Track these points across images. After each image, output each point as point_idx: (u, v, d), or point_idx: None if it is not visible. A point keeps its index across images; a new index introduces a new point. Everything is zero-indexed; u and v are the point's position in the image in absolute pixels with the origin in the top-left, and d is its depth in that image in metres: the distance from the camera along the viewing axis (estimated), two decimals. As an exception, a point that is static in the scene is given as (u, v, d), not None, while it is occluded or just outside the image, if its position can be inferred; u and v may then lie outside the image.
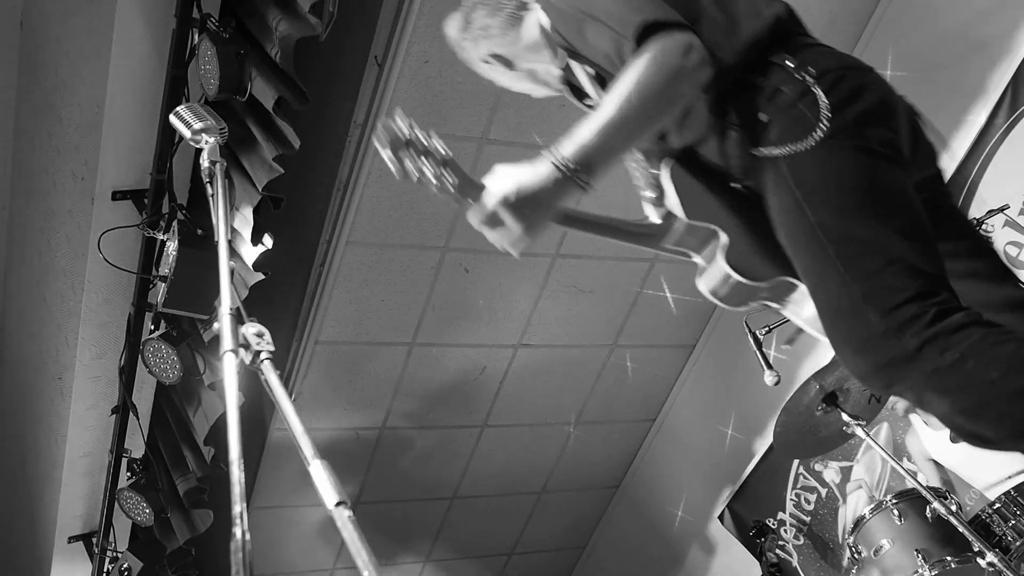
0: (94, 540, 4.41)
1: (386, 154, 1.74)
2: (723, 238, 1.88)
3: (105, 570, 4.29)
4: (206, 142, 1.67)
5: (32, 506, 4.78)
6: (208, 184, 1.57)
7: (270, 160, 2.96)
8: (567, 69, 1.98)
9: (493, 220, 1.66)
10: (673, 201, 1.93)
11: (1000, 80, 3.66)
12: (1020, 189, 3.55)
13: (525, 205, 1.63)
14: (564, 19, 1.82)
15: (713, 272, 1.92)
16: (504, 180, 1.65)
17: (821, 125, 1.64)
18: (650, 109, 1.64)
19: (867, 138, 1.66)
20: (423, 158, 1.73)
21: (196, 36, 3.02)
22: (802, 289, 1.91)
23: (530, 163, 1.65)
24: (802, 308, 1.96)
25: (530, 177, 1.63)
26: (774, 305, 2.03)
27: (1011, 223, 3.54)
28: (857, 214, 1.63)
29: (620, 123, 1.63)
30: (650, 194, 2.03)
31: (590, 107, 1.99)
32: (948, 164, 3.80)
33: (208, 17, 2.98)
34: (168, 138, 3.28)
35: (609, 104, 1.63)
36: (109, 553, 4.26)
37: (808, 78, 1.68)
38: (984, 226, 3.19)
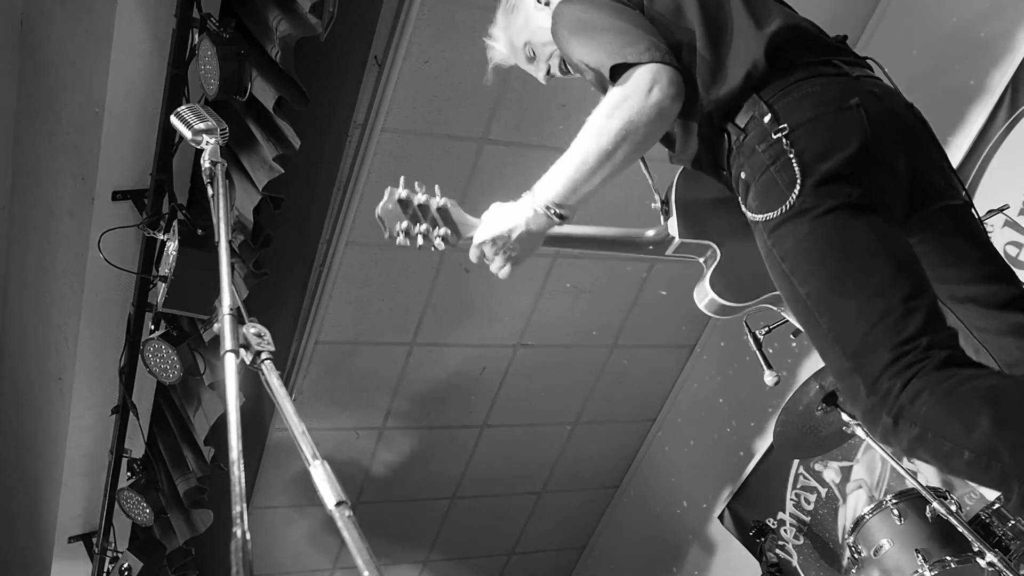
0: (94, 540, 4.41)
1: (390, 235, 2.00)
2: (717, 255, 1.98)
3: (105, 570, 4.29)
4: (207, 143, 1.67)
5: (32, 506, 4.78)
6: (209, 184, 1.57)
7: (270, 160, 2.96)
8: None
9: (483, 258, 1.97)
10: (671, 219, 1.97)
11: (1000, 80, 3.66)
12: (1020, 189, 3.55)
13: (507, 245, 1.91)
14: (560, 43, 1.93)
15: (702, 288, 2.04)
16: (488, 227, 1.92)
17: (793, 193, 1.68)
18: (616, 147, 1.75)
19: (838, 195, 1.68)
20: (421, 226, 2.00)
21: (196, 36, 3.02)
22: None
23: (513, 205, 1.90)
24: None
25: (511, 221, 1.88)
26: (771, 307, 2.06)
27: (1011, 223, 3.54)
28: (840, 284, 1.67)
29: (589, 164, 1.77)
30: (656, 204, 2.06)
31: None
32: (948, 164, 3.81)
33: (208, 17, 2.98)
34: (168, 138, 3.28)
35: (578, 145, 1.78)
36: (109, 553, 4.26)
37: (782, 136, 1.69)
38: (984, 226, 3.19)
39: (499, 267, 1.97)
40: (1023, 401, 1.54)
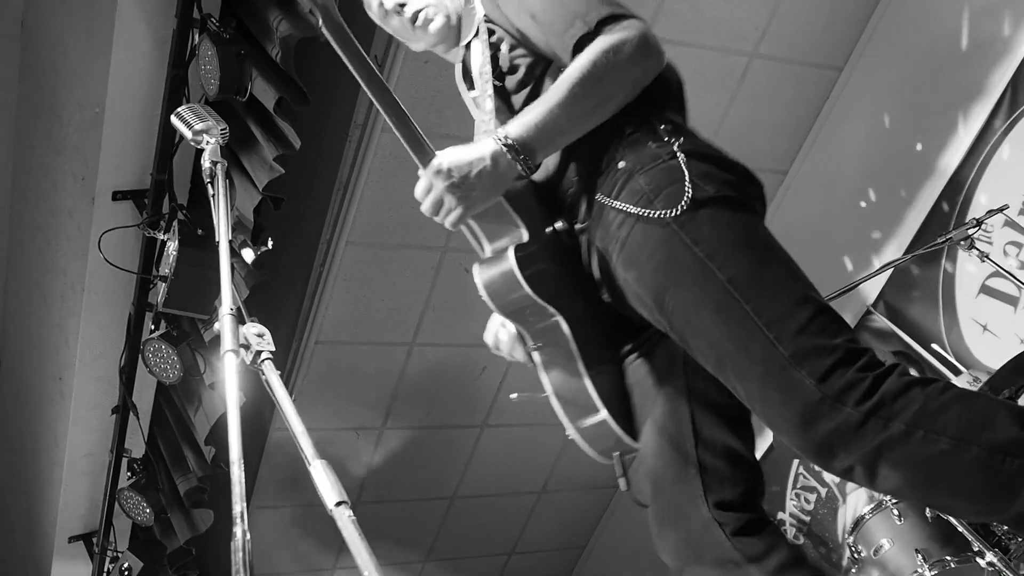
0: (94, 540, 4.41)
1: None
2: (523, 236, 1.72)
3: (105, 570, 4.29)
4: (207, 143, 1.67)
5: (32, 506, 4.78)
6: (209, 184, 1.57)
7: (270, 160, 2.96)
8: (467, 49, 1.91)
9: (429, 189, 1.68)
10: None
11: (1000, 80, 3.66)
12: (1020, 189, 3.55)
13: (465, 181, 1.64)
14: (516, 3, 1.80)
15: (499, 269, 1.72)
16: (448, 155, 1.67)
17: (696, 182, 1.60)
18: (603, 94, 1.65)
19: (745, 195, 1.64)
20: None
21: (196, 36, 3.03)
22: (564, 354, 1.74)
23: (478, 141, 1.69)
24: (546, 376, 1.80)
25: (474, 153, 1.65)
26: (527, 346, 1.81)
27: (1011, 223, 3.54)
28: (767, 269, 1.55)
29: (570, 106, 1.63)
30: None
31: (474, 100, 1.92)
32: (947, 164, 3.81)
33: (209, 17, 2.98)
34: (168, 138, 3.28)
35: (563, 87, 1.64)
36: (109, 553, 4.26)
37: (676, 145, 1.66)
38: (984, 226, 3.19)
39: (451, 207, 1.66)
40: None
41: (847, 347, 1.47)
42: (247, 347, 1.26)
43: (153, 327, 3.69)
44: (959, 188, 3.76)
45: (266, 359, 1.26)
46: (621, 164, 1.66)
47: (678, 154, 1.64)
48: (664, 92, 1.76)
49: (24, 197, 4.14)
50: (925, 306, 3.87)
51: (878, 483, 1.48)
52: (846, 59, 4.20)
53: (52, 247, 3.94)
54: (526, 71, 1.79)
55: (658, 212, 1.59)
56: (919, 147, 3.93)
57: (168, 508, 3.97)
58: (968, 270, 3.71)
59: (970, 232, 3.17)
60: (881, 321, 4.02)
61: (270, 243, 3.21)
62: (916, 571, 2.99)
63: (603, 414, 1.72)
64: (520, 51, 1.81)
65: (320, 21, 1.76)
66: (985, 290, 3.68)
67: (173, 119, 1.75)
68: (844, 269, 4.14)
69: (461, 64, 1.95)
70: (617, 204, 1.65)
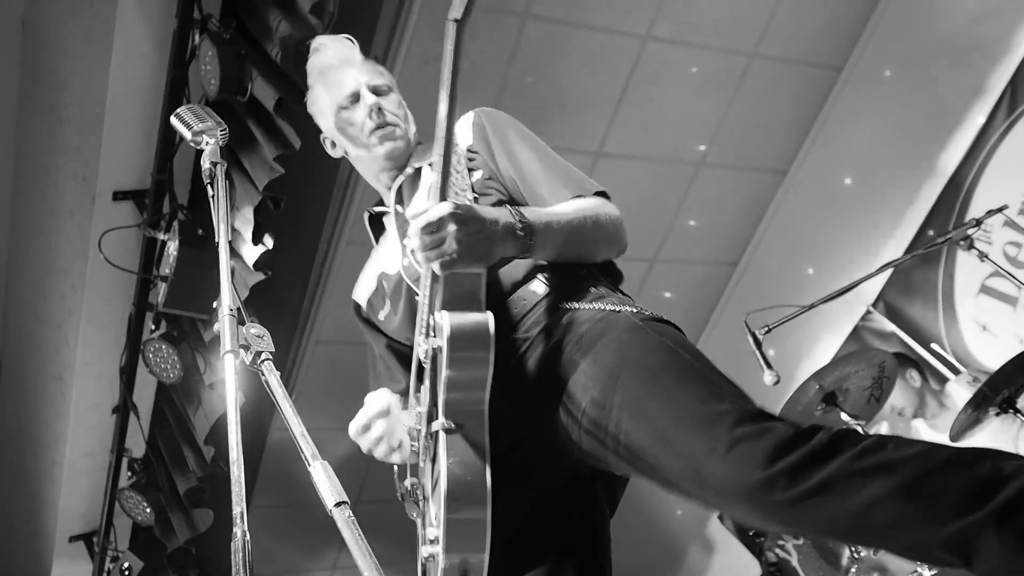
0: (95, 539, 4.42)
1: None
2: (483, 283, 1.65)
3: (106, 569, 4.30)
4: (207, 143, 1.67)
5: (33, 505, 4.78)
6: (209, 185, 1.57)
7: (271, 160, 2.96)
8: (415, 173, 1.98)
9: (438, 227, 1.57)
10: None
11: (999, 80, 3.66)
12: (1019, 189, 3.55)
13: (477, 232, 1.59)
14: (507, 138, 1.95)
15: (473, 318, 1.59)
16: (464, 204, 1.64)
17: (655, 317, 1.80)
18: (598, 236, 1.83)
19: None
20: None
21: (197, 37, 3.03)
22: (472, 441, 1.61)
23: (490, 207, 1.73)
24: (449, 461, 1.58)
25: (489, 213, 1.66)
26: (441, 424, 1.61)
27: (1010, 223, 3.54)
28: (710, 367, 1.70)
29: (576, 227, 1.78)
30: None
31: (399, 211, 1.97)
32: (947, 164, 3.81)
33: (209, 18, 2.98)
34: (169, 139, 3.29)
35: (574, 209, 1.80)
36: (110, 552, 4.27)
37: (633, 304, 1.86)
38: (983, 226, 3.19)
39: (448, 252, 1.56)
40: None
41: (763, 414, 1.59)
42: (247, 347, 1.26)
43: (153, 327, 3.69)
44: (959, 188, 3.76)
45: (266, 359, 1.26)
46: (593, 289, 1.82)
47: (638, 306, 1.82)
48: (619, 276, 1.96)
49: (25, 197, 4.14)
50: (925, 306, 3.87)
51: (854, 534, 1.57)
52: (846, 59, 4.20)
53: (53, 247, 3.94)
54: (496, 202, 1.86)
55: (629, 309, 1.77)
56: (919, 147, 3.93)
57: (168, 508, 3.97)
58: (968, 270, 3.71)
59: (970, 232, 3.17)
60: (881, 321, 4.02)
61: (270, 243, 3.21)
62: (915, 571, 2.99)
63: (487, 513, 1.58)
64: (495, 185, 1.92)
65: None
66: (985, 290, 3.68)
67: (173, 120, 1.75)
68: (844, 269, 4.14)
69: (396, 188, 1.99)
70: (591, 306, 1.77)
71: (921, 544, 1.36)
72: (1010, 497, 1.30)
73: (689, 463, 1.52)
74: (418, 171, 1.98)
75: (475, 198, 1.85)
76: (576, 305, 1.78)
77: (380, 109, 1.99)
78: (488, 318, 1.58)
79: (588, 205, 1.83)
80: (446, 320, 1.55)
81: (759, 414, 1.53)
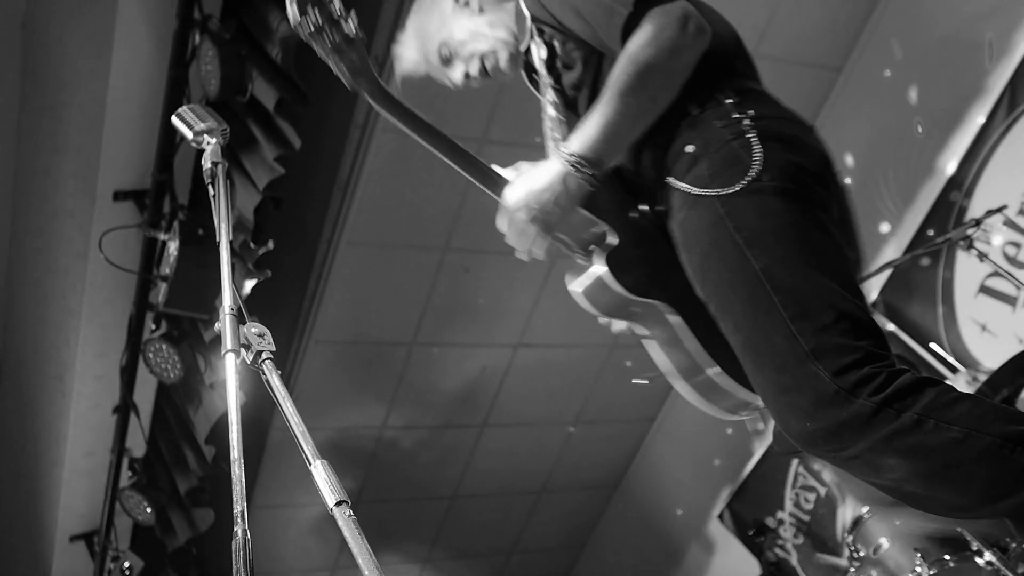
0: (95, 539, 4.42)
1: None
2: (610, 238, 1.78)
3: (106, 569, 4.30)
4: (208, 143, 1.67)
5: (33, 505, 4.78)
6: (209, 185, 1.57)
7: (271, 160, 2.97)
8: (527, 52, 1.91)
9: (510, 223, 1.73)
10: None
11: (999, 80, 3.67)
12: (1019, 189, 3.55)
13: (542, 208, 1.69)
14: None
15: (592, 277, 1.78)
16: (521, 189, 1.72)
17: (756, 168, 1.60)
18: (653, 89, 1.65)
19: (803, 187, 1.62)
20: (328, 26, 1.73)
21: (197, 37, 3.03)
22: (672, 334, 1.77)
23: (545, 164, 1.71)
24: (660, 355, 1.82)
25: (541, 180, 1.69)
26: (639, 332, 1.84)
27: (1010, 223, 3.55)
28: (804, 264, 1.56)
29: (624, 109, 1.64)
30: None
31: (535, 83, 1.94)
32: (947, 164, 3.81)
33: (209, 18, 2.99)
34: (169, 138, 3.29)
35: (612, 92, 1.65)
36: (110, 552, 4.27)
37: (746, 120, 1.65)
38: (983, 226, 3.19)
39: (534, 236, 1.71)
40: None
41: (867, 350, 1.51)
42: (248, 347, 1.26)
43: (154, 327, 3.69)
44: (959, 188, 3.76)
45: (266, 359, 1.26)
46: (689, 148, 1.67)
47: (746, 133, 1.63)
48: (723, 58, 1.73)
49: (25, 197, 4.14)
50: (924, 306, 3.87)
51: (882, 473, 1.52)
52: (846, 59, 4.20)
53: (53, 247, 3.94)
54: (583, 65, 1.79)
55: (713, 190, 1.61)
56: (918, 147, 3.93)
57: (169, 507, 3.98)
58: (967, 270, 3.71)
59: (969, 232, 3.17)
60: (881, 321, 4.02)
61: (270, 243, 3.22)
62: (915, 570, 2.99)
63: (715, 370, 1.77)
64: (572, 45, 1.80)
65: (367, 96, 1.79)
66: (984, 290, 3.68)
67: (174, 119, 1.75)
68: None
69: (524, 69, 1.96)
70: (681, 185, 1.67)
71: (958, 510, 1.50)
72: None
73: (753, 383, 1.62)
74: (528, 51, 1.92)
75: (557, 88, 1.83)
76: (673, 182, 1.69)
77: (466, 75, 1.96)
78: (604, 272, 1.72)
79: (624, 64, 1.64)
80: (572, 288, 1.77)
81: (808, 354, 1.50)
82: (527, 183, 1.71)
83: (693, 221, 1.66)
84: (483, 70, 1.93)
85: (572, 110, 1.84)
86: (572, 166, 1.66)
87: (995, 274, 3.55)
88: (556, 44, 1.82)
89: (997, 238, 3.59)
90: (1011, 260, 3.57)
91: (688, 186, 1.66)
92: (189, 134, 1.70)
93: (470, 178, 1.81)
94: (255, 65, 2.91)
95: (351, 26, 1.76)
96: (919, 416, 1.46)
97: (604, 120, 1.65)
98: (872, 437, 1.47)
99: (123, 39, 3.12)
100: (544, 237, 1.72)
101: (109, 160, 3.41)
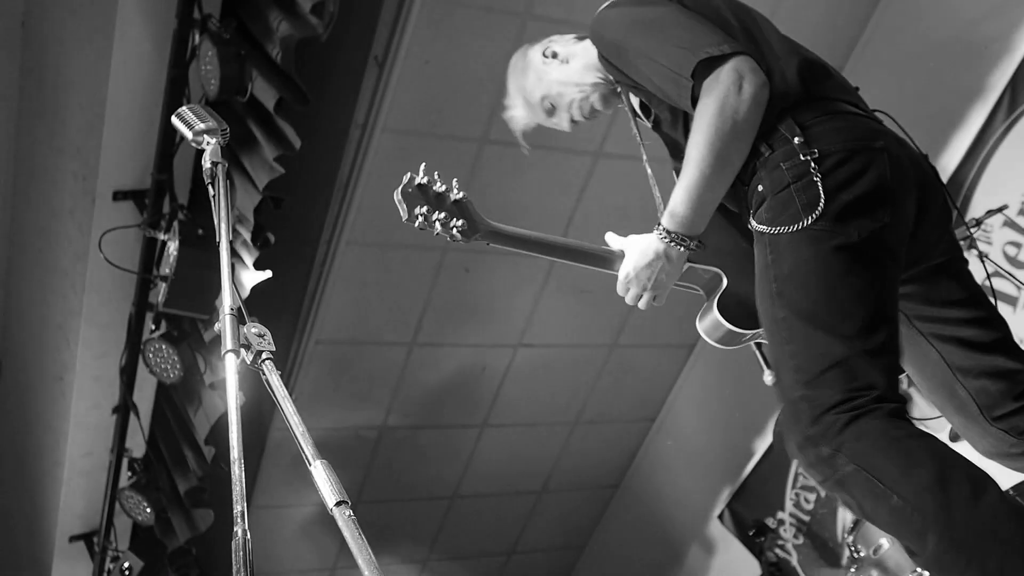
0: (95, 539, 4.42)
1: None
2: (724, 282, 1.99)
3: (106, 569, 4.30)
4: (208, 143, 1.66)
5: (33, 505, 4.78)
6: (209, 185, 1.57)
7: (271, 160, 2.96)
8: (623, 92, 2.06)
9: (627, 291, 1.98)
10: None
11: (999, 80, 3.67)
12: (1019, 189, 3.55)
13: (649, 278, 1.93)
14: (619, 54, 1.93)
15: (709, 318, 2.05)
16: (629, 262, 1.95)
17: (811, 215, 1.71)
18: (725, 153, 1.76)
19: (848, 232, 1.71)
20: (440, 214, 1.93)
21: (197, 37, 3.03)
22: None
23: (647, 238, 1.91)
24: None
25: (645, 257, 1.90)
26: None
27: (1010, 223, 3.55)
28: (818, 318, 1.71)
29: (701, 179, 1.78)
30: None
31: (637, 118, 2.12)
32: (947, 164, 3.81)
33: (209, 18, 2.98)
34: (169, 138, 3.29)
35: (688, 165, 1.78)
36: (110, 552, 4.27)
37: (810, 159, 1.72)
38: (983, 226, 3.19)
39: (650, 300, 1.98)
40: (967, 473, 1.58)
41: (845, 396, 1.66)
42: (247, 347, 1.26)
43: (154, 327, 3.69)
44: (959, 188, 3.76)
45: (266, 359, 1.26)
46: (760, 188, 1.79)
47: (804, 176, 1.72)
48: (790, 95, 1.80)
49: (25, 197, 4.14)
50: (925, 306, 3.87)
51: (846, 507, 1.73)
52: (846, 59, 4.20)
53: (53, 247, 3.94)
54: (671, 114, 1.95)
55: (770, 229, 1.76)
56: (918, 147, 3.92)
57: (168, 508, 3.97)
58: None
59: (969, 232, 3.17)
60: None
61: (271, 237, 3.22)
62: (915, 570, 2.99)
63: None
64: (656, 100, 1.97)
65: (484, 241, 1.98)
66: (984, 290, 3.68)
67: (174, 119, 1.75)
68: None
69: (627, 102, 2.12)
70: (752, 223, 1.82)
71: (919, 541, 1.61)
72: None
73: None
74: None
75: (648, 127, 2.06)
76: (753, 224, 1.82)
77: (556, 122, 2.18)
78: (717, 315, 2.01)
79: (697, 139, 1.76)
80: (700, 329, 2.08)
81: (800, 398, 1.70)
82: (634, 260, 1.93)
83: (756, 255, 1.82)
84: (584, 110, 2.11)
85: (676, 151, 2.00)
86: (669, 242, 1.85)
87: (996, 274, 3.55)
88: (643, 98, 2.00)
89: (998, 238, 3.59)
90: (1011, 260, 3.57)
91: (755, 224, 1.80)
92: (189, 134, 1.69)
93: (587, 266, 2.05)
94: (255, 65, 2.91)
95: (454, 192, 1.92)
96: (855, 468, 1.62)
97: (687, 193, 1.79)
98: (828, 477, 1.67)
99: (123, 39, 3.12)
100: (657, 299, 1.97)
101: (109, 160, 3.41)
